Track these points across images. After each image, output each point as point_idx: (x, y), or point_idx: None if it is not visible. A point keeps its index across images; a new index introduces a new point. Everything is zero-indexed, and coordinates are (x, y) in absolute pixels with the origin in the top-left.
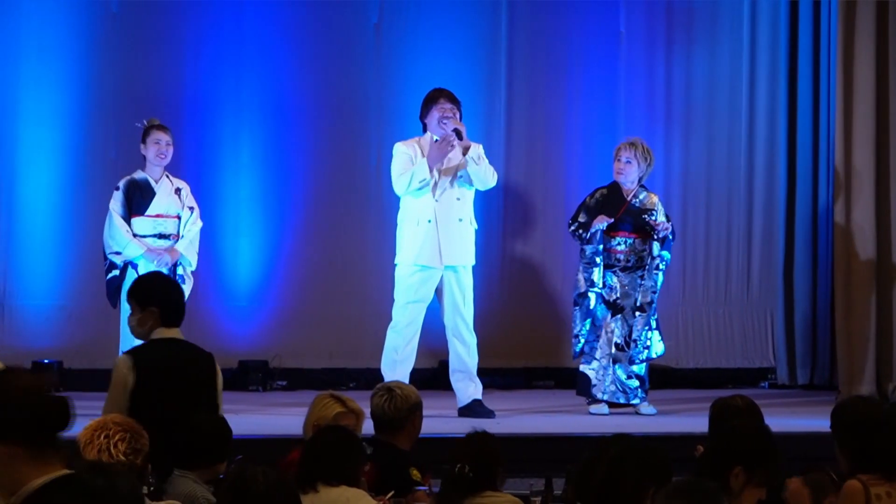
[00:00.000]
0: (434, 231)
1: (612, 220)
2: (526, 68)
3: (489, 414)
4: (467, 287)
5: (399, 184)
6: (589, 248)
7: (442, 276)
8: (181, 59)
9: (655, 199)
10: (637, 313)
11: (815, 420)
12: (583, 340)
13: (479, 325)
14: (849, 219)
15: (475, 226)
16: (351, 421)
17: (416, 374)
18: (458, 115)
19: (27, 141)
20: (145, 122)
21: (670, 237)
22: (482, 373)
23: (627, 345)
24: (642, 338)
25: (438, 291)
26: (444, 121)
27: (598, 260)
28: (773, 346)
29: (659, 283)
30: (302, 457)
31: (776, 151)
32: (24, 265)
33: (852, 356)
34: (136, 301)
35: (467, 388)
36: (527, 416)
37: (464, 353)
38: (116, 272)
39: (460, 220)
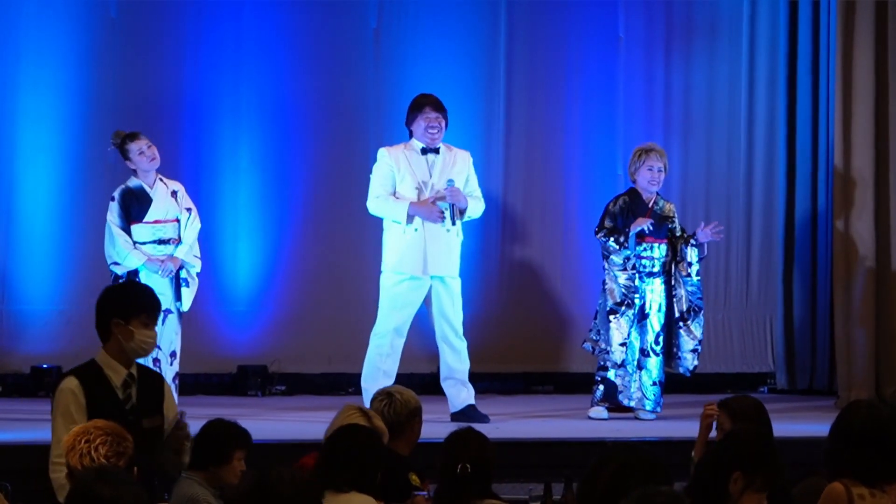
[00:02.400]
0: (421, 240)
1: (653, 220)
2: (525, 73)
3: (483, 418)
4: (456, 294)
5: (373, 204)
6: (621, 255)
7: (430, 286)
8: (180, 64)
9: (672, 206)
10: (681, 323)
11: (814, 425)
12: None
13: (478, 330)
14: (848, 223)
15: (461, 237)
16: None
17: (414, 380)
18: (443, 124)
19: (26, 145)
20: (114, 139)
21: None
22: (481, 378)
23: (654, 350)
24: (691, 352)
25: (426, 300)
26: (430, 130)
27: (633, 265)
28: (772, 350)
29: (698, 289)
30: (318, 461)
31: (775, 156)
32: (23, 270)
33: (851, 361)
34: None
35: (459, 393)
36: (526, 421)
37: (453, 359)
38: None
39: (447, 230)
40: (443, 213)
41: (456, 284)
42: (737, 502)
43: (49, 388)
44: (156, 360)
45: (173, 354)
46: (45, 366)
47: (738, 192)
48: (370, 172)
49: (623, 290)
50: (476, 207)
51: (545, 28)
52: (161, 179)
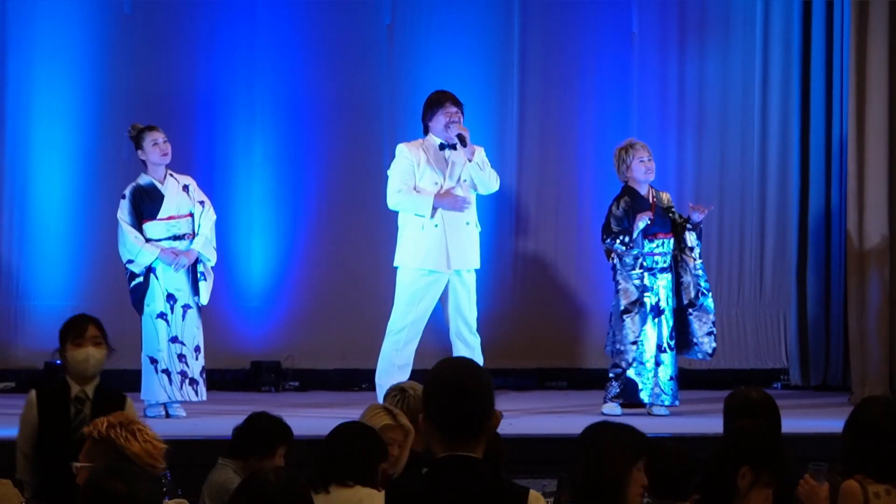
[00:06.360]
0: (442, 235)
1: (652, 216)
2: (538, 69)
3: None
4: (471, 289)
5: (394, 199)
6: (630, 254)
7: (448, 280)
8: (194, 60)
9: (668, 195)
10: (690, 310)
11: (827, 421)
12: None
13: (492, 326)
14: (861, 219)
15: (479, 228)
16: (398, 436)
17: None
18: (461, 119)
19: (40, 142)
20: (131, 130)
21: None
22: (495, 374)
23: (669, 345)
24: (707, 336)
25: (442, 295)
26: (451, 125)
27: (645, 263)
28: (785, 346)
29: (702, 272)
30: (318, 455)
31: (789, 152)
32: (37, 266)
33: (865, 357)
34: None
35: None
36: (539, 417)
37: (467, 355)
38: (140, 279)
39: (467, 223)
40: (467, 201)
41: (472, 279)
42: (744, 497)
43: None
44: (181, 356)
45: (198, 349)
46: (58, 362)
47: (751, 189)
48: (384, 168)
49: (637, 289)
50: (492, 173)
51: (559, 23)
52: (171, 175)
